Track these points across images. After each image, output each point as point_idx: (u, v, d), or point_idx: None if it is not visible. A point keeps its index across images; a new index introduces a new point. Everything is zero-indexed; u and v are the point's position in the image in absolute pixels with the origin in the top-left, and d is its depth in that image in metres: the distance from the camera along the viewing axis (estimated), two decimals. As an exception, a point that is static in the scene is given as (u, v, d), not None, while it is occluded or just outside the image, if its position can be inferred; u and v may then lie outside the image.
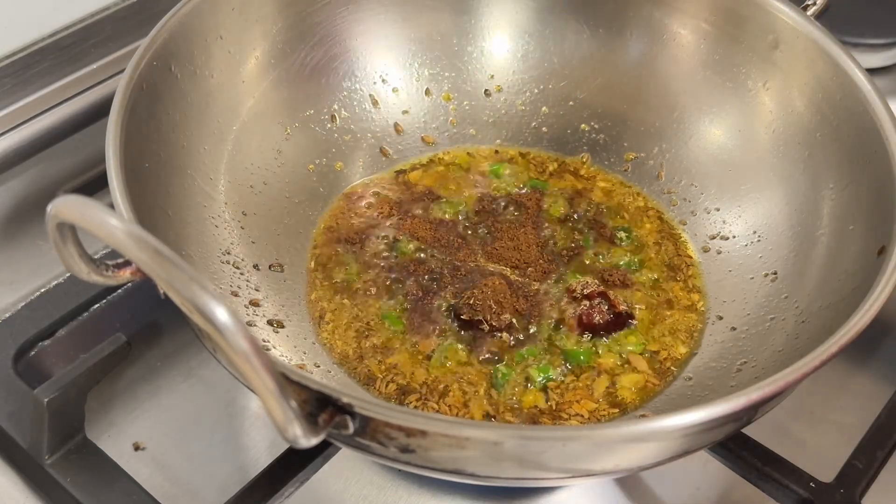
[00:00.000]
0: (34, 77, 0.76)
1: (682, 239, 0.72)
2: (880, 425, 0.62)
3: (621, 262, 0.70)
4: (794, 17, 0.69)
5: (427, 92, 0.78)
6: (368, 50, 0.77)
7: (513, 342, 0.65)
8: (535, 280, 0.68)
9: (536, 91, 0.79)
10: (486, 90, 0.79)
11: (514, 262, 0.69)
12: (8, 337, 0.65)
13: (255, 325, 0.62)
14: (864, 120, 0.63)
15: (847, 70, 0.65)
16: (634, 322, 0.66)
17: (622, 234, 0.72)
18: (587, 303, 0.66)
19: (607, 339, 0.65)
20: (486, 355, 0.64)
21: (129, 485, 0.58)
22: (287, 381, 0.43)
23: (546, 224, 0.73)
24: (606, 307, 0.66)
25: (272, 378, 0.41)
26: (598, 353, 0.64)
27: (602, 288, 0.67)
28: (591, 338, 0.65)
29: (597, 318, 0.65)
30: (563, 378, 0.63)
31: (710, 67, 0.74)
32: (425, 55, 0.78)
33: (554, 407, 0.61)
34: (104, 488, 0.58)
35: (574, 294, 0.67)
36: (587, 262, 0.70)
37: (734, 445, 0.60)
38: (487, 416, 0.61)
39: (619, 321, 0.66)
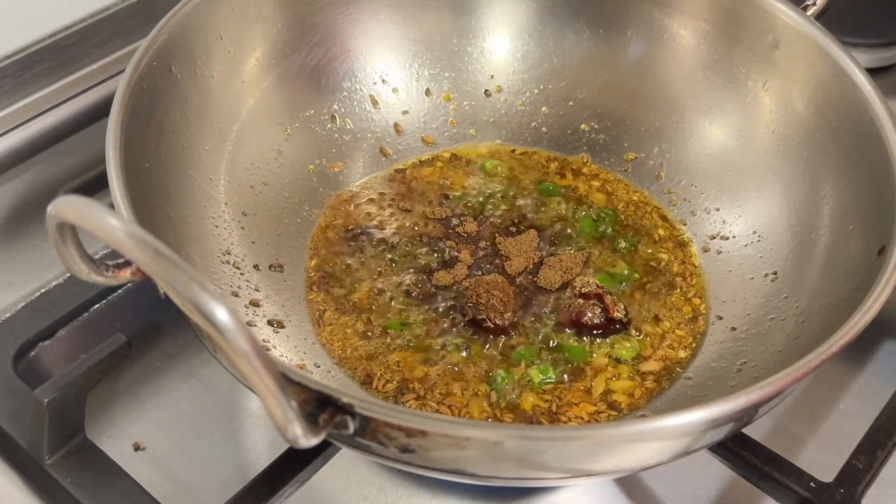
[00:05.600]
0: (34, 77, 0.76)
1: (687, 242, 0.72)
2: (880, 425, 0.62)
3: (625, 269, 0.70)
4: (794, 18, 0.69)
5: (427, 92, 0.78)
6: (368, 50, 0.77)
7: (515, 341, 0.65)
8: (537, 280, 0.68)
9: (536, 91, 0.79)
10: (486, 90, 0.79)
11: (517, 262, 0.69)
12: (8, 337, 0.65)
13: (255, 326, 0.62)
14: (864, 120, 0.63)
15: (847, 70, 0.65)
16: (629, 329, 0.66)
17: (623, 242, 0.72)
18: (582, 301, 0.66)
19: (604, 340, 0.65)
20: (488, 355, 0.64)
21: (129, 485, 0.58)
22: (287, 382, 0.43)
23: (549, 225, 0.73)
24: (600, 310, 0.66)
25: (272, 378, 0.41)
26: (593, 354, 0.64)
27: (601, 290, 0.67)
28: (586, 337, 0.65)
29: (587, 317, 0.65)
30: (562, 378, 0.63)
31: (710, 67, 0.74)
32: (425, 55, 0.78)
33: (554, 409, 0.61)
34: (104, 488, 0.58)
35: (574, 292, 0.67)
36: (592, 263, 0.70)
37: (734, 445, 0.60)
38: (486, 418, 0.61)
39: (611, 326, 0.66)
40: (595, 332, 0.65)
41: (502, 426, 0.56)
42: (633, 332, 0.66)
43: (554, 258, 0.69)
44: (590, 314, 0.65)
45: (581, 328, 0.65)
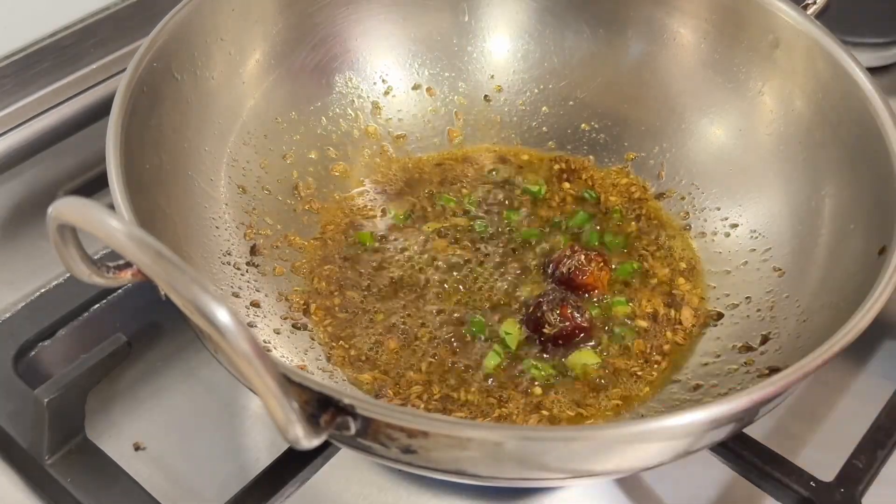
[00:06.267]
0: (34, 77, 0.76)
1: (687, 240, 0.72)
2: (880, 425, 0.62)
3: (626, 263, 0.70)
4: (795, 17, 0.69)
5: (428, 92, 0.78)
6: (369, 50, 0.77)
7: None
8: (530, 286, 0.68)
9: (537, 91, 0.79)
10: (486, 90, 0.79)
11: (514, 269, 0.69)
12: (8, 337, 0.65)
13: (256, 326, 0.62)
14: (864, 119, 0.63)
15: (847, 69, 0.65)
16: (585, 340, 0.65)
17: (616, 239, 0.72)
18: (583, 258, 0.67)
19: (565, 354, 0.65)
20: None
21: (130, 485, 0.58)
22: (288, 383, 0.43)
23: (548, 228, 0.73)
24: (570, 312, 0.65)
25: (273, 379, 0.41)
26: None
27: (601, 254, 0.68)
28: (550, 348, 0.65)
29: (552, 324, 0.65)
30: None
31: (710, 67, 0.74)
32: (425, 55, 0.78)
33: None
34: (104, 488, 0.58)
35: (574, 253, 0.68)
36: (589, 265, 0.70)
37: (735, 445, 0.60)
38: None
39: (576, 334, 0.65)
40: (558, 342, 0.65)
41: (503, 427, 0.56)
42: (632, 329, 0.66)
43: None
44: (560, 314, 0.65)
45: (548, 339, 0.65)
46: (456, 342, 0.65)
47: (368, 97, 0.77)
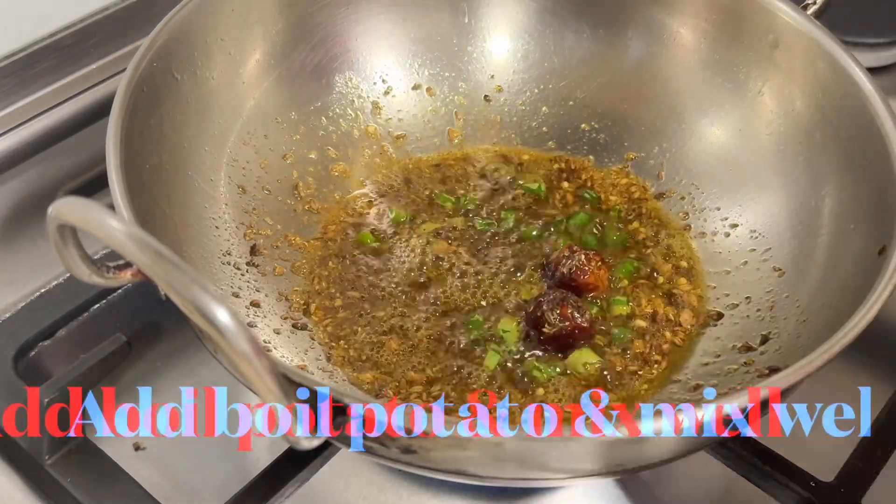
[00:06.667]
0: (34, 77, 0.76)
1: (687, 240, 0.72)
2: (880, 425, 0.62)
3: (625, 261, 0.70)
4: (794, 17, 0.69)
5: (427, 92, 0.78)
6: (368, 50, 0.77)
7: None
8: (529, 286, 0.68)
9: (536, 91, 0.79)
10: (486, 90, 0.79)
11: (513, 269, 0.69)
12: (8, 337, 0.65)
13: (256, 326, 0.62)
14: (864, 120, 0.63)
15: (847, 69, 0.65)
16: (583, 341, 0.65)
17: (616, 239, 0.72)
18: (583, 258, 0.67)
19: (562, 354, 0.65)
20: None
21: (129, 485, 0.58)
22: (288, 383, 0.43)
23: (547, 228, 0.73)
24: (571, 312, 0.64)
25: (274, 379, 0.41)
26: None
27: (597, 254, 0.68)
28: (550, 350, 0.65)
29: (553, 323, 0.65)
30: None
31: (710, 67, 0.74)
32: (425, 55, 0.78)
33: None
34: (104, 488, 0.58)
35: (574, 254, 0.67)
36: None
37: (735, 445, 0.60)
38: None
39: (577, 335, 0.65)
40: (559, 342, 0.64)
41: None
42: (631, 329, 0.66)
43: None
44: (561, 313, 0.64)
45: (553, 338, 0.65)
46: (456, 342, 0.65)
47: (368, 97, 0.77)
